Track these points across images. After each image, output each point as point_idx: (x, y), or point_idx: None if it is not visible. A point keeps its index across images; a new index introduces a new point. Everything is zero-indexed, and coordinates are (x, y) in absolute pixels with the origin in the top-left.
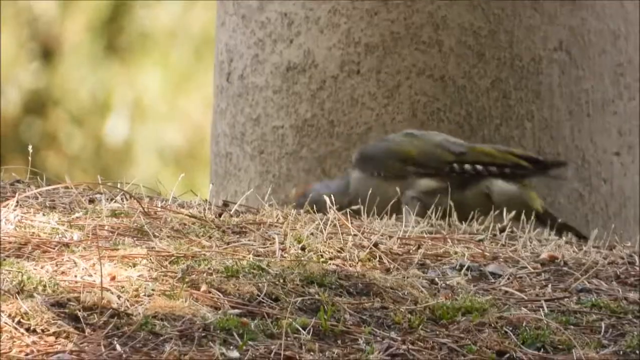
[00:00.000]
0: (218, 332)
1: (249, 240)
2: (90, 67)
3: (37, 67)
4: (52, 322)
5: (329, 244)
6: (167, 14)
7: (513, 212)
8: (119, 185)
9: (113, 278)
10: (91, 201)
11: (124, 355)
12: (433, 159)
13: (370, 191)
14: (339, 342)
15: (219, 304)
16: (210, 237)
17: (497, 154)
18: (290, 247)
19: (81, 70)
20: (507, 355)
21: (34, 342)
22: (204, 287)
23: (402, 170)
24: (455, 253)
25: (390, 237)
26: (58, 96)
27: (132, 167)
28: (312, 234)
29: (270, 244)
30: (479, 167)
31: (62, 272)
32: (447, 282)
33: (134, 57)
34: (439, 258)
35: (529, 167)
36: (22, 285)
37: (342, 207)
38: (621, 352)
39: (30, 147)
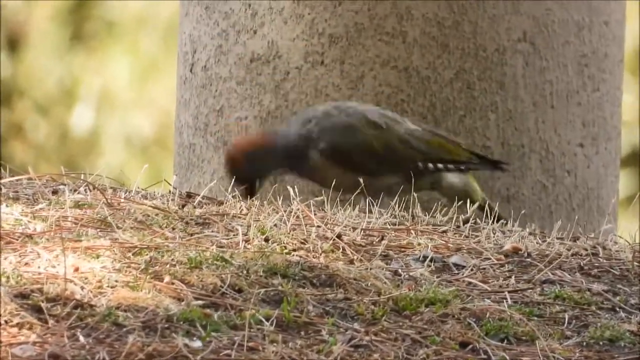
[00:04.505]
0: (181, 323)
1: (212, 231)
2: (56, 56)
3: (2, 56)
4: (16, 313)
5: (292, 235)
6: (135, 1)
7: (476, 204)
8: (82, 177)
9: (76, 269)
10: (54, 192)
11: (87, 346)
12: (398, 157)
13: (335, 179)
14: (302, 333)
15: (182, 295)
16: (173, 229)
17: (453, 150)
18: (253, 238)
19: (47, 60)
20: (471, 346)
21: None
22: (167, 279)
23: (369, 168)
24: (419, 244)
25: (354, 228)
26: (24, 86)
27: (99, 157)
28: (275, 225)
29: (234, 235)
30: (440, 165)
31: (26, 264)
32: (411, 274)
33: (101, 45)
34: (403, 249)
35: (479, 163)
36: None
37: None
38: (584, 344)
39: None
